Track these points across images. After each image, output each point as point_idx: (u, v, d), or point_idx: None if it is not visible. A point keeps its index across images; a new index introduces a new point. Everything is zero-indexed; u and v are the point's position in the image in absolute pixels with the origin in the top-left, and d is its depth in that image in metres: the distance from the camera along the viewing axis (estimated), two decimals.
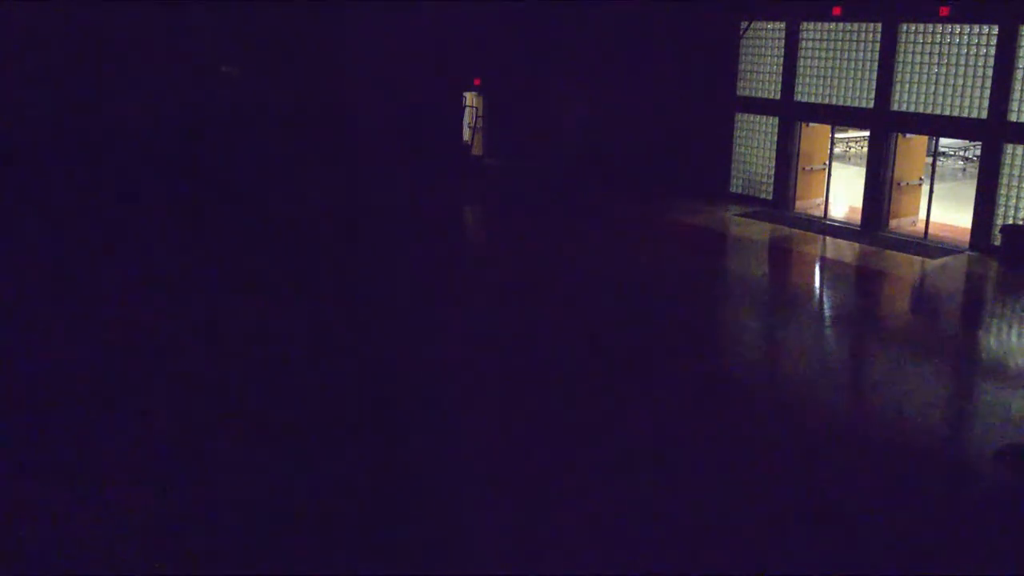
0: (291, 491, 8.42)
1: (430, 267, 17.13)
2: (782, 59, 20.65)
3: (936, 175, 19.05)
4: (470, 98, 28.72)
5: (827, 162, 21.23)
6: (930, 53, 17.85)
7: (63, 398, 10.42)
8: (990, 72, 16.92)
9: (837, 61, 19.59)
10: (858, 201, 20.12)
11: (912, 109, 18.27)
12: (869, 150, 19.49)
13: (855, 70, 19.28)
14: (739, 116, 22.06)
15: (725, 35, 21.72)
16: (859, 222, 19.68)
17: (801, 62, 20.31)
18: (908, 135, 19.06)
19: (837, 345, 13.50)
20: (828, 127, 21.04)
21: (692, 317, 14.38)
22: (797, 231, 19.58)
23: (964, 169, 26.73)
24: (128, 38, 22.41)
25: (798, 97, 20.46)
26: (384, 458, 9.21)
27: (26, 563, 7.31)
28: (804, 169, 21.23)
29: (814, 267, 17.87)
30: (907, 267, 17.09)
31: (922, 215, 19.10)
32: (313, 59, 24.46)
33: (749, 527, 8.00)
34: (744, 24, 21.35)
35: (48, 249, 17.27)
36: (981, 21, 16.94)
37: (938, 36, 17.71)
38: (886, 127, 18.90)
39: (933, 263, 17.12)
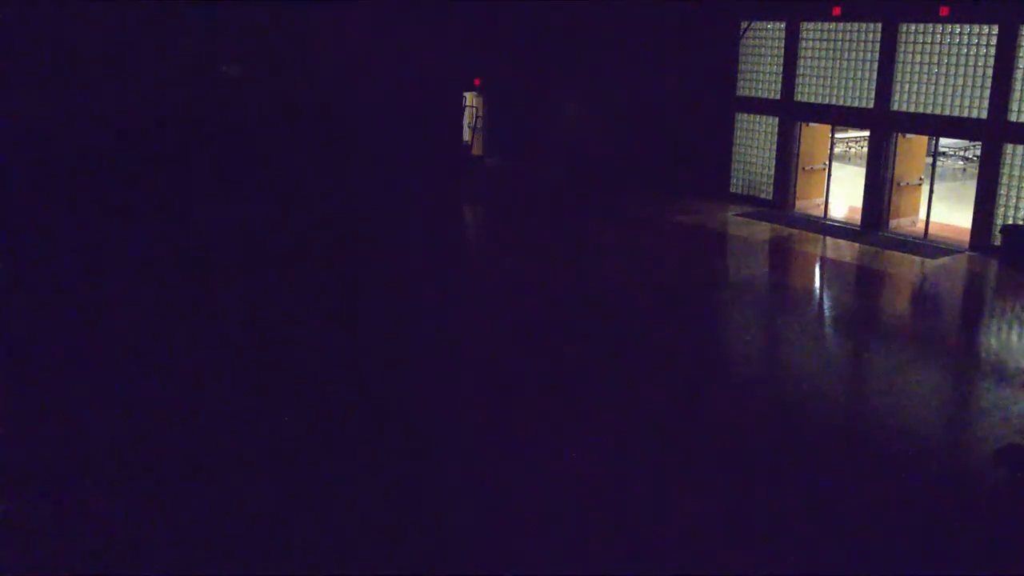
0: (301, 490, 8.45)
1: (430, 267, 17.11)
2: (782, 59, 20.65)
3: (936, 175, 19.06)
4: (470, 98, 28.72)
5: (827, 162, 21.24)
6: (930, 53, 17.85)
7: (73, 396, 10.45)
8: (990, 72, 16.92)
9: (837, 61, 19.59)
10: (858, 201, 20.12)
11: (912, 109, 18.28)
12: (869, 150, 19.50)
13: (855, 70, 19.28)
14: (739, 116, 22.06)
15: (725, 35, 21.73)
16: (859, 222, 19.68)
17: (801, 62, 20.31)
18: (908, 135, 19.07)
19: (836, 345, 13.50)
20: (828, 127, 21.04)
21: (691, 316, 14.37)
22: (797, 231, 19.57)
23: (964, 169, 26.73)
24: (126, 38, 22.39)
25: (798, 97, 20.46)
26: (386, 456, 9.23)
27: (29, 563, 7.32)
28: (804, 169, 21.24)
29: (814, 267, 17.87)
30: (907, 267, 17.09)
31: (922, 215, 19.10)
32: (311, 59, 24.46)
33: (749, 527, 8.00)
34: (744, 24, 21.35)
35: (47, 251, 17.26)
36: (981, 21, 16.95)
37: (938, 36, 17.72)
38: (886, 127, 18.90)
39: (933, 263, 17.12)
